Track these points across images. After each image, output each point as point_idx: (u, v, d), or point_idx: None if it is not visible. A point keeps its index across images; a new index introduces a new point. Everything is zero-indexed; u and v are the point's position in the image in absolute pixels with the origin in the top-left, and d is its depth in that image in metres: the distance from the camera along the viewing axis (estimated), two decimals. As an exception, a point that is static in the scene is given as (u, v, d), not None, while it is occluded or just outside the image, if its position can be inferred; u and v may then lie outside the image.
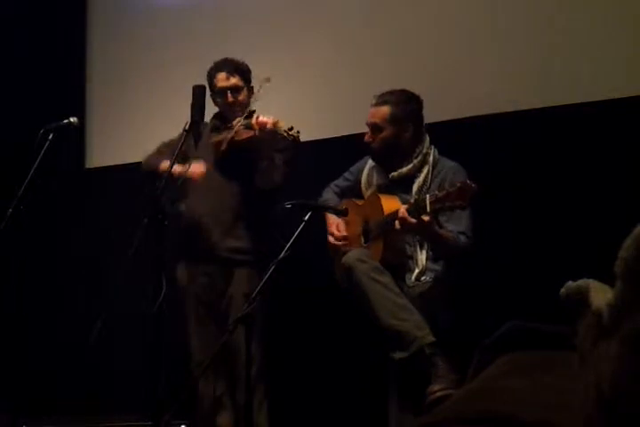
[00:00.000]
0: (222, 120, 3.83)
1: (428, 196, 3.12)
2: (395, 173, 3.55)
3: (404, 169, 3.54)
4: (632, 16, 3.67)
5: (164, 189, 3.23)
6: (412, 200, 3.24)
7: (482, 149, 3.78)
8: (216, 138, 3.76)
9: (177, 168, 3.45)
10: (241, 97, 3.79)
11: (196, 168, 3.64)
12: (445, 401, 1.35)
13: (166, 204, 3.30)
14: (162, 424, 3.02)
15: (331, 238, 3.68)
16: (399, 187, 3.56)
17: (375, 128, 3.55)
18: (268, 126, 3.48)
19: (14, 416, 3.90)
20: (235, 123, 3.68)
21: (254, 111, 3.70)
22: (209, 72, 3.83)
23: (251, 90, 3.82)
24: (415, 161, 3.52)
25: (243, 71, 3.82)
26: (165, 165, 3.63)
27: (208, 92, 3.53)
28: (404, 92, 3.56)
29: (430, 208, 3.08)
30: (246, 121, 3.64)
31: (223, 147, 3.69)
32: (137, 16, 5.17)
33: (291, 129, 3.44)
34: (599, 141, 3.63)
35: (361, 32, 4.36)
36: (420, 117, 3.59)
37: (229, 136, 3.66)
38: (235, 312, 3.50)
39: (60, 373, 4.81)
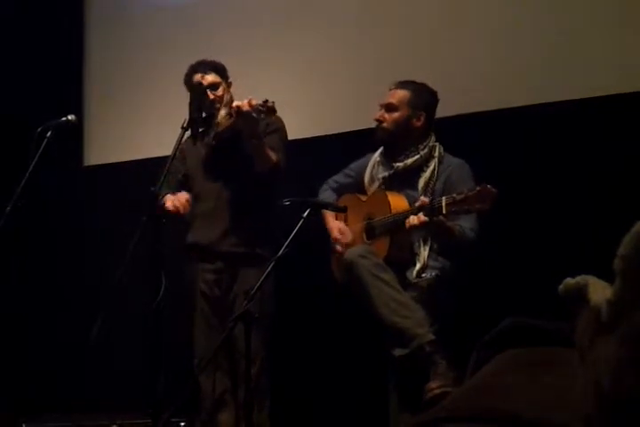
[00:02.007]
0: (209, 124, 3.85)
1: (444, 198, 3.12)
2: (400, 164, 3.54)
3: (410, 160, 3.52)
4: (630, 15, 3.67)
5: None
6: (427, 200, 3.23)
7: (480, 146, 3.77)
8: (207, 139, 3.82)
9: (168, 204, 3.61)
10: (220, 92, 3.83)
11: (178, 201, 3.67)
12: (443, 399, 1.35)
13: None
14: (161, 422, 3.02)
15: (338, 248, 3.65)
16: (404, 180, 3.54)
17: (390, 108, 3.56)
18: (244, 109, 3.50)
19: (14, 415, 3.90)
20: (219, 118, 3.73)
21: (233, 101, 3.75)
22: (185, 78, 3.88)
23: (229, 85, 3.85)
24: (422, 153, 3.51)
25: (217, 68, 3.87)
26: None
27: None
28: (425, 84, 3.60)
29: (446, 210, 3.08)
30: (227, 110, 3.69)
31: (213, 142, 3.74)
32: (135, 15, 5.17)
33: (265, 102, 3.49)
34: (599, 138, 3.63)
35: (360, 30, 4.35)
36: (433, 112, 3.61)
37: (215, 130, 3.73)
38: (238, 310, 3.50)
39: (60, 372, 4.81)
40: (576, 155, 3.67)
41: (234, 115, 3.60)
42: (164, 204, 3.61)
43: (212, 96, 3.80)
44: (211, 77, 3.83)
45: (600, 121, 3.64)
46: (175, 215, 3.64)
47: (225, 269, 3.78)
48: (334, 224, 3.69)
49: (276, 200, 3.56)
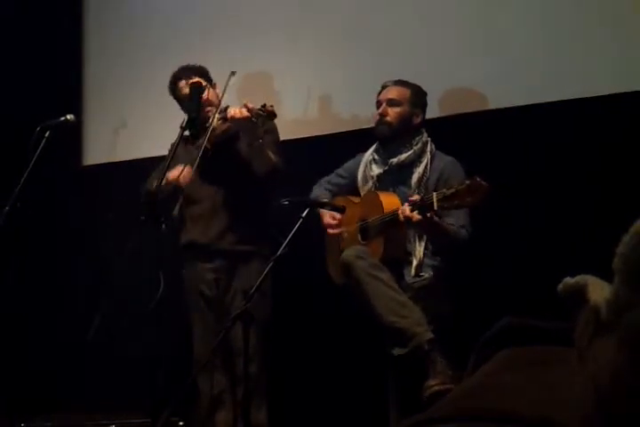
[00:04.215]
0: (198, 127, 3.83)
1: (435, 193, 3.12)
2: (394, 160, 3.55)
3: (403, 155, 3.54)
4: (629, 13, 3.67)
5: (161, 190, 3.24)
6: (418, 197, 3.24)
7: (477, 146, 3.77)
8: (201, 141, 3.78)
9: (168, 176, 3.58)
10: (207, 95, 3.81)
11: (181, 173, 3.62)
12: (442, 396, 1.34)
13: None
14: (160, 422, 3.01)
15: (330, 230, 3.67)
16: (397, 178, 3.56)
17: (393, 103, 3.59)
18: (243, 116, 3.49)
19: (13, 415, 3.90)
20: (211, 121, 3.71)
21: (228, 106, 3.74)
22: (169, 85, 3.90)
23: (214, 86, 3.86)
24: (415, 148, 3.54)
25: (201, 72, 3.90)
26: (152, 183, 3.73)
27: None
28: (419, 85, 3.65)
29: (437, 206, 3.08)
30: (221, 115, 3.68)
31: (209, 145, 3.72)
32: (134, 16, 5.18)
33: (264, 106, 3.48)
34: (599, 137, 3.63)
35: (356, 31, 4.36)
36: (425, 113, 3.64)
37: (210, 133, 3.69)
38: (236, 309, 3.50)
39: (60, 372, 4.80)
40: (576, 154, 3.67)
41: (229, 121, 3.59)
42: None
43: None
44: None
45: (600, 120, 3.64)
46: (174, 191, 3.57)
47: (224, 268, 3.78)
48: (326, 212, 3.70)
49: (273, 198, 3.56)
